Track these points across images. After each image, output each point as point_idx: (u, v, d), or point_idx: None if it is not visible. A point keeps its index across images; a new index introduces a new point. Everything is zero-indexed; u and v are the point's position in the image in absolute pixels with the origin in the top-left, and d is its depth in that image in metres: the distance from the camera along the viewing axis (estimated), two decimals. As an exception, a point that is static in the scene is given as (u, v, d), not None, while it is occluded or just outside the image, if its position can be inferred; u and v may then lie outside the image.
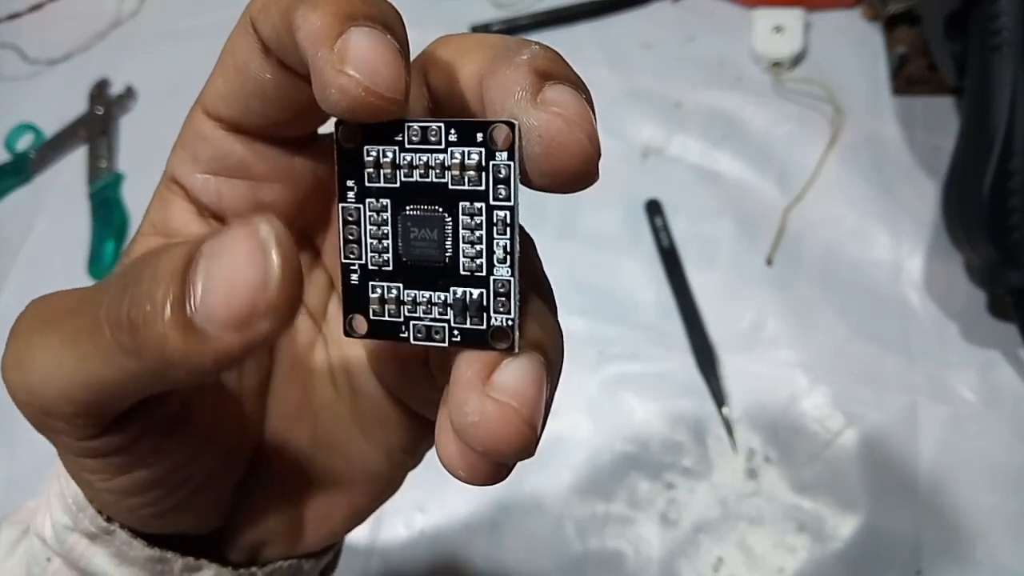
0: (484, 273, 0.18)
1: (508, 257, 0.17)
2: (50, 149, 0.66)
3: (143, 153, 0.66)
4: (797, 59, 0.63)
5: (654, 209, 0.59)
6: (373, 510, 0.25)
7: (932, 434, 0.51)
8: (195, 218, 0.22)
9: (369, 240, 0.18)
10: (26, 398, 0.18)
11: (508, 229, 0.17)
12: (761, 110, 0.62)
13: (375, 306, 0.18)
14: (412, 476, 0.26)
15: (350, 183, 0.18)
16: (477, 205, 0.17)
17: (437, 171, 0.17)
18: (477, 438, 0.17)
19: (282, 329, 0.16)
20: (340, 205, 0.18)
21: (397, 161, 0.18)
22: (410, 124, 0.17)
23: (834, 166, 0.59)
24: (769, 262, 0.57)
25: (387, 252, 0.18)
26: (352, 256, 0.18)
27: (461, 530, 0.51)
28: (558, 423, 0.53)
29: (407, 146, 0.18)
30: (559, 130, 0.17)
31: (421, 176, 0.18)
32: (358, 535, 0.51)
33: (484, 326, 0.18)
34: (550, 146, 0.17)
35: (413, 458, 0.25)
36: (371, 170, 0.18)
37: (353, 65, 0.16)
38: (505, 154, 0.17)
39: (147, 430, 0.19)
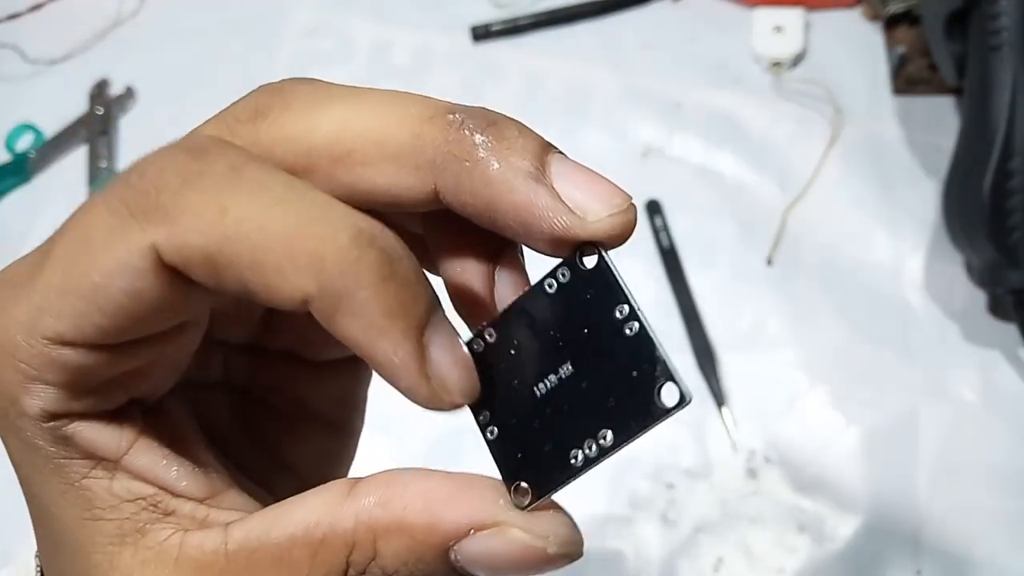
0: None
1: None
2: (50, 149, 0.66)
3: (143, 153, 0.65)
4: (797, 59, 0.63)
5: (654, 209, 0.59)
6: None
7: (932, 434, 0.51)
8: (112, 426, 0.18)
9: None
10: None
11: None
12: (761, 110, 0.62)
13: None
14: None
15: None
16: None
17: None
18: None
19: None
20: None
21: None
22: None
23: (834, 166, 0.59)
24: (769, 262, 0.57)
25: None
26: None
27: (461, 530, 0.51)
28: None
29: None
30: (619, 226, 0.17)
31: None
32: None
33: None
34: (615, 243, 0.17)
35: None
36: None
37: (449, 390, 0.17)
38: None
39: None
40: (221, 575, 0.17)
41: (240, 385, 0.23)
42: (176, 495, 0.18)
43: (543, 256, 0.18)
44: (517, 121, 0.18)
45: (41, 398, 0.17)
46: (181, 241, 0.16)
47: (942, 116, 0.60)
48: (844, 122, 0.61)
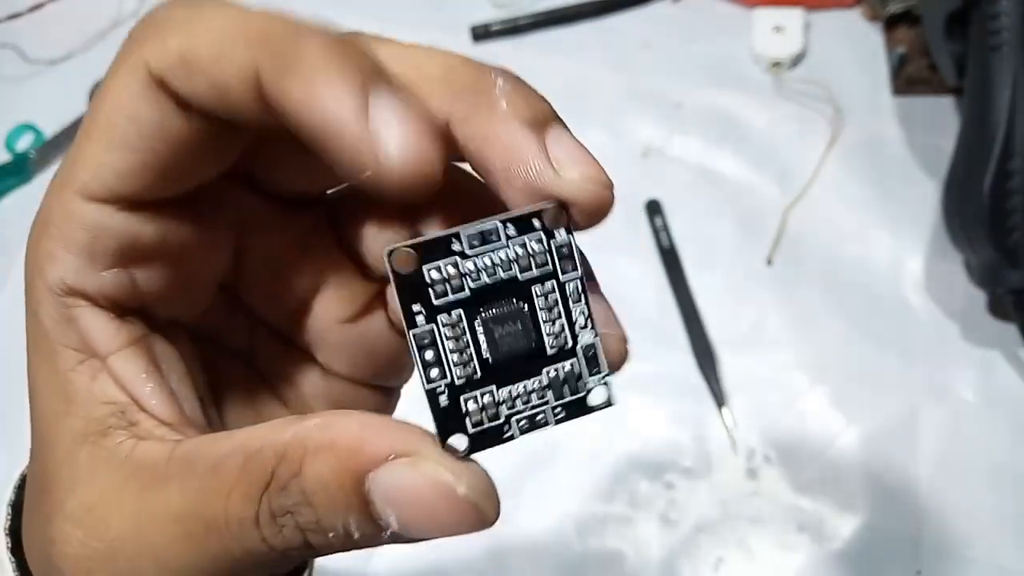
0: (571, 345, 0.18)
1: (588, 320, 0.18)
2: (50, 149, 0.66)
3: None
4: (797, 59, 0.63)
5: (654, 209, 0.59)
6: None
7: (932, 434, 0.51)
8: (114, 322, 0.19)
9: (450, 355, 0.18)
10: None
11: (582, 296, 0.18)
12: (761, 110, 0.62)
13: (475, 418, 0.18)
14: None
15: (416, 308, 0.17)
16: (549, 284, 0.18)
17: (504, 267, 0.18)
18: None
19: None
20: (411, 332, 0.17)
21: (462, 270, 0.18)
22: (467, 232, 0.17)
23: (834, 166, 0.59)
24: (769, 262, 0.57)
25: (472, 360, 0.18)
26: (435, 379, 0.18)
27: (461, 530, 0.51)
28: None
29: (468, 253, 0.18)
30: (590, 195, 0.18)
31: (489, 276, 0.18)
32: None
33: (583, 393, 0.18)
34: (584, 210, 0.18)
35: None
36: (438, 287, 0.17)
37: (397, 149, 0.16)
38: (563, 231, 0.18)
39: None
40: (157, 478, 0.17)
41: (259, 368, 0.24)
42: (144, 410, 0.19)
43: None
44: (542, 94, 0.19)
45: (61, 266, 0.18)
46: (163, 47, 0.17)
47: (942, 116, 0.60)
48: (844, 122, 0.61)
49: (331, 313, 0.23)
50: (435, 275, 0.17)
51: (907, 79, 0.61)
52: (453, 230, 0.17)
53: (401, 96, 0.17)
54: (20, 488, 0.22)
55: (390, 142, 0.16)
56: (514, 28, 0.66)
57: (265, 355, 0.23)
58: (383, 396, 0.25)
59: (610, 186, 0.18)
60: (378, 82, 0.17)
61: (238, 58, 0.16)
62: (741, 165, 0.60)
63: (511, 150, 0.17)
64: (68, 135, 0.66)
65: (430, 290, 0.17)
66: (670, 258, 0.57)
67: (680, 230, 0.58)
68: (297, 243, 0.22)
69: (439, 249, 0.17)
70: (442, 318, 0.17)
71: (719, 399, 0.53)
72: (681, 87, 0.63)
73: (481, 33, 0.66)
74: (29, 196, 0.65)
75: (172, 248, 0.19)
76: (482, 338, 0.18)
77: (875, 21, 0.64)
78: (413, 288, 0.17)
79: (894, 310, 0.55)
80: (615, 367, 0.19)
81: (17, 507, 0.22)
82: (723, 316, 0.55)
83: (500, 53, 0.66)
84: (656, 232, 0.58)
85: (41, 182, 0.65)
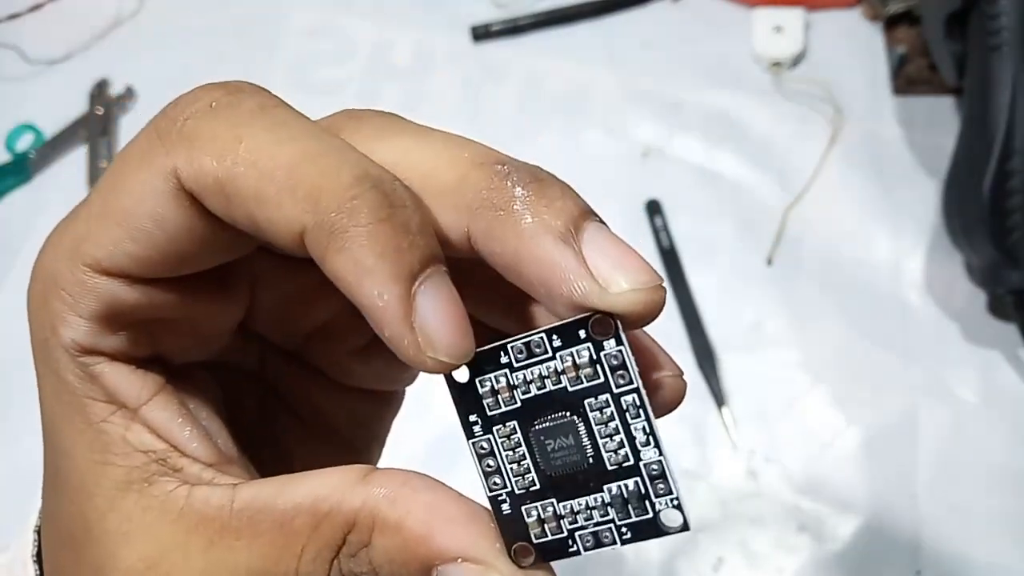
0: (632, 462, 0.17)
1: (650, 437, 0.17)
2: (50, 149, 0.66)
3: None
4: (797, 59, 0.63)
5: (654, 209, 0.59)
6: None
7: (932, 434, 0.51)
8: (136, 373, 0.19)
9: (508, 466, 0.18)
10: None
11: (641, 411, 0.17)
12: (761, 110, 0.62)
13: (535, 530, 0.18)
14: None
15: (473, 418, 0.18)
16: (603, 398, 0.17)
17: (553, 379, 0.17)
18: None
19: None
20: (471, 442, 0.18)
21: (512, 382, 0.18)
22: (512, 344, 0.17)
23: (834, 166, 0.59)
24: (769, 262, 0.57)
25: (529, 472, 0.18)
26: (497, 487, 0.18)
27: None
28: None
29: (516, 365, 0.17)
30: (642, 305, 0.17)
31: (539, 389, 0.17)
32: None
33: (651, 514, 0.17)
34: (637, 320, 0.17)
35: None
36: (489, 400, 0.18)
37: (433, 345, 0.16)
38: (612, 341, 0.17)
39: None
40: (222, 530, 0.17)
41: (270, 383, 0.24)
42: (185, 455, 0.19)
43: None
44: (565, 184, 0.18)
45: (74, 330, 0.18)
46: (197, 165, 0.16)
47: (942, 116, 0.60)
48: (844, 122, 0.61)
49: (341, 345, 0.23)
50: (487, 387, 0.18)
51: (907, 79, 0.61)
52: (500, 343, 0.17)
53: (444, 283, 0.16)
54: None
55: (435, 341, 0.16)
56: (514, 28, 0.66)
57: (275, 371, 0.23)
58: (391, 396, 0.25)
59: (661, 283, 0.17)
60: (425, 267, 0.16)
61: (284, 211, 0.16)
62: (741, 165, 0.60)
63: (547, 269, 0.17)
64: (68, 135, 0.66)
65: (484, 402, 0.18)
66: (670, 258, 0.57)
67: (680, 230, 0.58)
68: (307, 287, 0.22)
69: (489, 361, 0.17)
70: (497, 429, 0.18)
71: (719, 399, 0.53)
72: (681, 87, 0.63)
73: (481, 33, 0.66)
74: (29, 196, 0.65)
75: (188, 310, 0.19)
76: (536, 450, 0.18)
77: (875, 21, 0.64)
78: (469, 399, 0.18)
79: (894, 310, 0.55)
80: (674, 405, 0.19)
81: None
82: (723, 316, 0.55)
83: (500, 53, 0.66)
84: (656, 232, 0.58)
85: (41, 182, 0.65)
